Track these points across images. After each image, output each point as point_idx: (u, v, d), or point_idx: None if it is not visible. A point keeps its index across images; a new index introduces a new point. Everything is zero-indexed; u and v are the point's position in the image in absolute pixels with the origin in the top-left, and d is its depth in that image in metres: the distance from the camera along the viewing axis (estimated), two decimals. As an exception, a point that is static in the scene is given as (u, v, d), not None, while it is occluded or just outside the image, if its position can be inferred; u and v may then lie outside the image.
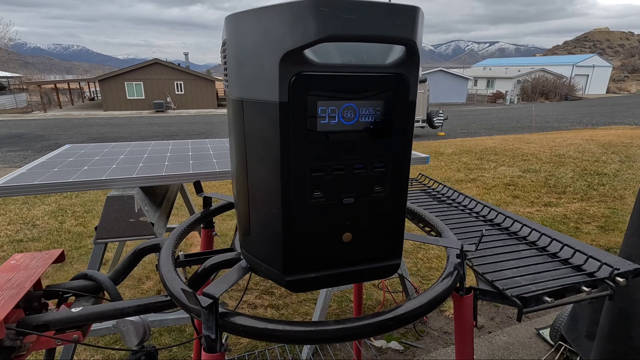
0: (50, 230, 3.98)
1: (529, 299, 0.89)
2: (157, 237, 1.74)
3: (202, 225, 1.32)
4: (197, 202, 3.66)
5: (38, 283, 0.85)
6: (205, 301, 0.60)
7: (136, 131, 16.14)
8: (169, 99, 26.97)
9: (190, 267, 0.99)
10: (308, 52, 0.53)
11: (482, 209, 1.45)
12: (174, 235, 0.95)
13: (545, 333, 2.34)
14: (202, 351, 0.64)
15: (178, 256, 0.96)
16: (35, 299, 0.82)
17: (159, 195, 2.12)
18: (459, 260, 0.85)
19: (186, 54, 36.30)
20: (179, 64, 28.81)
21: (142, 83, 26.73)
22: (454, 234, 0.99)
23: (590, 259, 1.02)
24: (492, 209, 1.42)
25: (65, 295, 0.86)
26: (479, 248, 1.01)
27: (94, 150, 2.30)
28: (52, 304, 0.87)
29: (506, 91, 37.74)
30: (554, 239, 1.15)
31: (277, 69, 0.53)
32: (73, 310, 0.76)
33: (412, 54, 0.58)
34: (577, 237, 3.73)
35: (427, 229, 1.15)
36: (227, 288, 0.65)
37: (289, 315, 2.58)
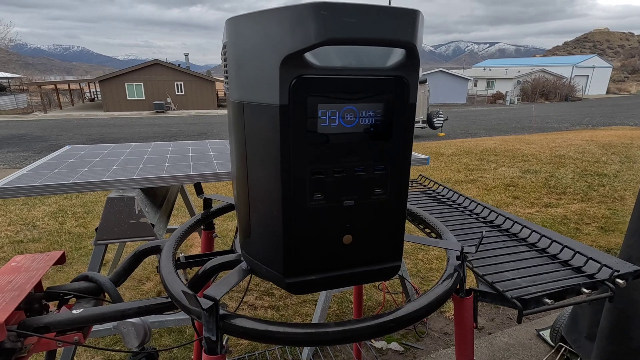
0: (50, 231, 3.98)
1: (529, 300, 0.89)
2: (157, 238, 1.74)
3: (202, 227, 1.32)
4: (197, 202, 3.66)
5: (39, 285, 0.85)
6: (206, 303, 0.60)
7: (136, 132, 16.15)
8: (169, 100, 26.98)
9: (190, 268, 0.99)
10: (308, 55, 0.53)
11: (482, 211, 1.46)
12: (175, 237, 0.95)
13: (546, 334, 2.34)
14: (203, 353, 0.64)
15: (178, 258, 0.96)
16: (36, 300, 0.82)
17: (160, 197, 2.12)
18: (459, 262, 0.85)
19: (186, 55, 36.35)
20: (179, 65, 28.84)
21: (142, 84, 26.75)
22: (454, 235, 0.99)
23: (590, 260, 1.02)
24: (492, 210, 1.42)
25: (66, 297, 0.87)
26: (479, 250, 1.01)
27: (94, 152, 2.30)
28: (52, 305, 0.87)
29: (506, 92, 37.73)
30: (554, 241, 1.15)
31: (278, 71, 0.53)
32: (74, 312, 0.76)
33: (412, 57, 0.58)
34: (577, 238, 3.73)
35: (427, 230, 1.15)
36: (227, 290, 0.66)
37: (289, 316, 2.58)
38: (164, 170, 1.85)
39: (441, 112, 14.56)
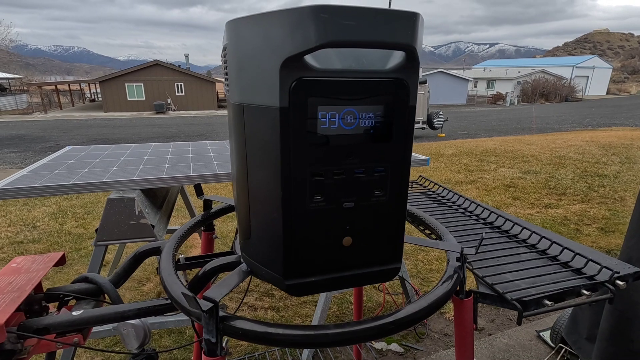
0: (50, 231, 3.98)
1: (529, 302, 0.89)
2: (157, 239, 1.74)
3: (202, 228, 1.32)
4: (197, 203, 3.66)
5: (39, 286, 0.85)
6: (206, 305, 0.60)
7: (136, 132, 16.16)
8: (169, 100, 26.99)
9: (190, 269, 0.99)
10: (308, 58, 0.53)
11: (482, 212, 1.46)
12: (175, 238, 0.95)
13: (546, 335, 2.34)
14: (203, 354, 0.64)
15: (178, 259, 0.96)
16: (36, 302, 0.83)
17: (160, 198, 2.12)
18: (459, 263, 0.85)
19: (186, 55, 36.39)
20: (179, 65, 28.87)
21: (142, 84, 26.76)
22: (454, 237, 0.99)
23: (590, 262, 1.02)
24: (492, 211, 1.42)
25: (66, 299, 0.87)
26: (479, 251, 1.01)
27: (94, 153, 2.30)
28: (52, 307, 0.87)
29: (506, 92, 37.75)
30: (554, 242, 1.15)
31: (278, 74, 0.53)
32: (74, 313, 0.76)
33: (412, 59, 0.59)
34: (577, 238, 3.73)
35: (427, 232, 1.15)
36: (227, 292, 0.66)
37: (289, 317, 2.58)
38: (164, 171, 1.85)
39: (441, 113, 14.56)
